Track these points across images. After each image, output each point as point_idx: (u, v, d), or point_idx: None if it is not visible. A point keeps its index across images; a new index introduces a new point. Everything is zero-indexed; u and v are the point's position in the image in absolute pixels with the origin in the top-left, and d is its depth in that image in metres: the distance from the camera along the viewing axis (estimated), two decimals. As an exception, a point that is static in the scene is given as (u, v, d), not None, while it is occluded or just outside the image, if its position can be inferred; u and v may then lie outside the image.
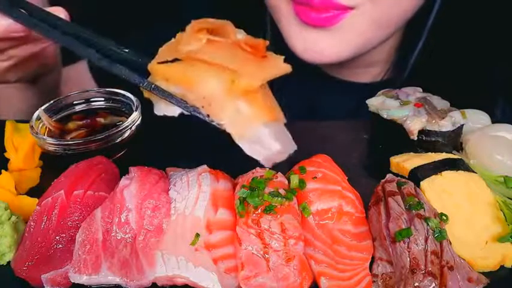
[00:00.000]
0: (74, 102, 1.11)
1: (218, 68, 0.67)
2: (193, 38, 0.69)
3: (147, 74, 0.74)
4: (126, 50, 0.80)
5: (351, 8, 1.07)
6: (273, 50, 0.71)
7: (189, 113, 0.72)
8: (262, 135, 0.69)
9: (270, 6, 1.20)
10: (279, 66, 0.68)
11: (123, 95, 1.09)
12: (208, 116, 0.70)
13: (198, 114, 0.71)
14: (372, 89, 1.12)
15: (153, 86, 0.73)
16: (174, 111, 0.75)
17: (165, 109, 0.75)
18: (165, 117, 1.13)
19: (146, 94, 0.75)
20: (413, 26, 1.23)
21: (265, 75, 0.68)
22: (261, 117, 0.68)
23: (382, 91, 1.10)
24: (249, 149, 0.70)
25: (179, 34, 0.73)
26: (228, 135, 0.80)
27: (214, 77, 0.67)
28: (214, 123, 0.70)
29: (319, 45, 1.13)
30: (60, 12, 0.90)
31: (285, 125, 0.73)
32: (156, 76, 0.72)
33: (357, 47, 1.14)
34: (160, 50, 0.73)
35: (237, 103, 0.68)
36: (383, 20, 1.12)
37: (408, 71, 1.28)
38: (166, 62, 0.71)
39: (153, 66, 0.71)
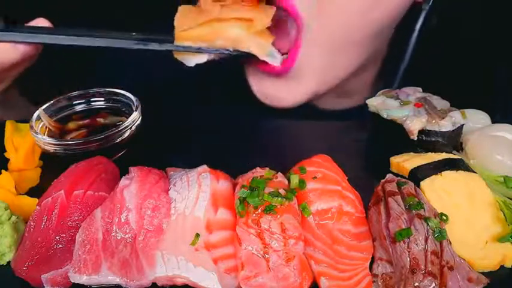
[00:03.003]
0: (74, 102, 1.11)
1: (234, 21, 1.00)
2: (211, 6, 0.99)
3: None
4: (134, 34, 0.97)
5: (298, 17, 1.04)
6: None
7: (217, 54, 1.02)
8: (272, 50, 1.06)
9: None
10: (269, 13, 1.00)
11: (123, 95, 1.09)
12: (234, 50, 1.02)
13: (224, 52, 1.01)
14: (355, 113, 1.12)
15: (185, 46, 0.99)
16: (202, 58, 1.02)
17: (195, 59, 1.02)
18: (164, 116, 1.14)
19: (177, 55, 1.00)
20: (393, 51, 1.21)
21: (267, 19, 1.00)
22: (269, 41, 1.04)
23: (382, 91, 1.10)
24: (271, 59, 1.05)
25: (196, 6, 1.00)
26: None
27: (236, 26, 1.01)
28: (239, 53, 1.02)
29: (276, 94, 1.14)
30: (44, 23, 0.93)
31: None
32: (182, 40, 0.99)
33: (317, 83, 1.13)
34: (177, 21, 0.98)
35: (255, 37, 1.03)
36: (336, 44, 1.08)
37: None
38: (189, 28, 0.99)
39: (181, 34, 0.98)
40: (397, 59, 1.23)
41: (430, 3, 1.13)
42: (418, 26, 1.17)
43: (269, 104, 1.17)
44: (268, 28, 1.02)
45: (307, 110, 1.32)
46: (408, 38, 1.19)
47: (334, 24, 1.04)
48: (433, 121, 0.99)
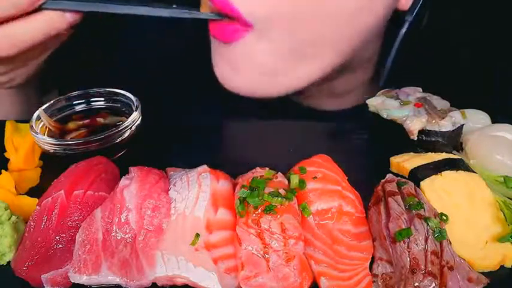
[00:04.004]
0: (74, 102, 1.11)
1: None
2: None
3: None
4: (175, 6, 0.97)
5: (248, 25, 0.98)
6: None
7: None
8: None
9: None
10: None
11: (123, 95, 1.09)
12: None
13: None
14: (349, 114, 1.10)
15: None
16: None
17: None
18: (164, 116, 1.14)
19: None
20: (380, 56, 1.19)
21: None
22: None
23: (382, 91, 1.10)
24: None
25: None
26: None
27: None
28: None
29: (229, 76, 1.08)
30: None
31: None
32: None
33: (260, 81, 1.06)
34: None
35: None
36: (295, 49, 1.02)
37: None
38: None
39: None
40: (383, 63, 1.22)
41: (414, 15, 1.12)
42: (401, 34, 1.15)
43: (226, 87, 1.11)
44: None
45: (306, 110, 1.33)
46: (392, 44, 1.17)
47: (299, 32, 1.00)
48: (433, 121, 0.99)
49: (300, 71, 1.06)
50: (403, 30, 1.12)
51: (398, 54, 1.15)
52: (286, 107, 1.21)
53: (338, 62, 1.08)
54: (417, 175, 0.90)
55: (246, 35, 1.00)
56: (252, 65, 1.05)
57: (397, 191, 0.83)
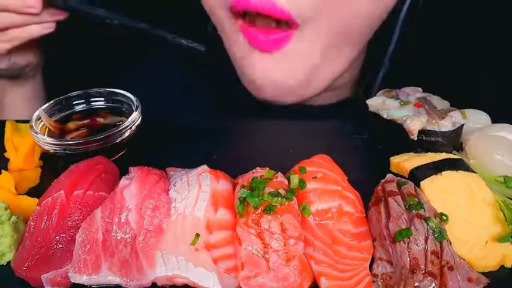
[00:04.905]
0: (74, 102, 1.11)
1: None
2: None
3: None
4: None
5: (296, 26, 1.01)
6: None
7: None
8: None
9: (218, 28, 1.18)
10: None
11: (123, 95, 1.09)
12: None
13: None
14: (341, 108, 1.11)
15: None
16: None
17: None
18: (164, 116, 1.14)
19: None
20: (376, 42, 1.21)
21: None
22: None
23: (382, 91, 1.11)
24: None
25: None
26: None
27: None
28: None
29: (271, 73, 1.09)
30: None
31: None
32: None
33: (305, 73, 1.11)
34: None
35: None
36: (332, 45, 1.07)
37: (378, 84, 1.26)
38: None
39: None
40: (382, 50, 1.23)
41: None
42: (404, 10, 1.16)
43: (261, 92, 1.14)
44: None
45: (306, 110, 1.32)
46: (392, 28, 1.19)
47: (334, 28, 1.04)
48: (433, 121, 0.99)
49: (329, 67, 1.11)
50: (405, 6, 1.13)
51: (401, 36, 1.17)
52: (285, 107, 1.21)
53: (356, 54, 1.12)
54: (417, 175, 0.90)
55: (291, 40, 1.03)
56: (298, 67, 1.08)
57: (397, 191, 0.83)
